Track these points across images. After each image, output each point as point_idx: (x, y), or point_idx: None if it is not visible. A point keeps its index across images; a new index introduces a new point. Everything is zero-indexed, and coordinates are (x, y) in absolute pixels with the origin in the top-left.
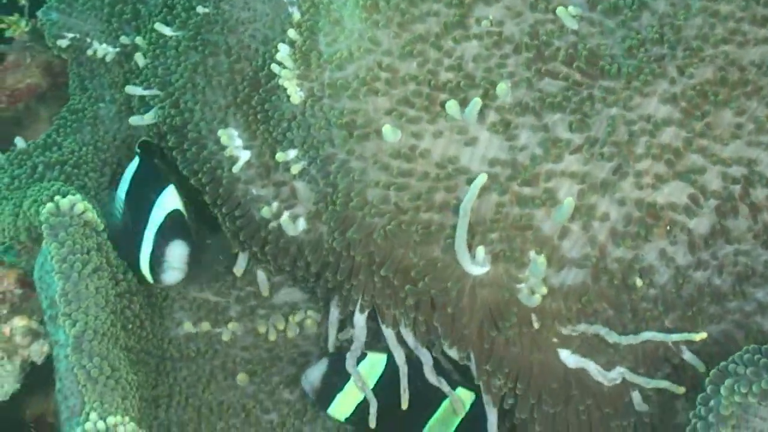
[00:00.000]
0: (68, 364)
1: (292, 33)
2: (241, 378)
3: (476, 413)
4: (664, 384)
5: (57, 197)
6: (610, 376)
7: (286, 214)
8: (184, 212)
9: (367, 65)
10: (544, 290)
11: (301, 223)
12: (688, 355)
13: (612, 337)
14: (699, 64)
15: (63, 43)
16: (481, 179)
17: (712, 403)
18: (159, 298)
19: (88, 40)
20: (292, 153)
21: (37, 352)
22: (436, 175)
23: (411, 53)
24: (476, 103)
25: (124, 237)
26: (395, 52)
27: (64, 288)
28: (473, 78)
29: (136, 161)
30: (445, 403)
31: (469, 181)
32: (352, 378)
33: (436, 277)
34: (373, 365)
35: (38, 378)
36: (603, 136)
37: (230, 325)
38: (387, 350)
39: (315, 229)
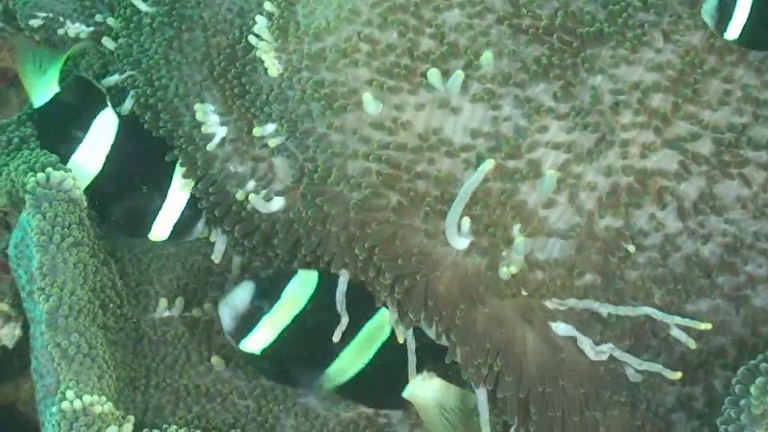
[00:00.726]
0: (43, 341)
1: (268, 5)
2: (216, 361)
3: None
4: (657, 367)
5: (49, 169)
6: (597, 350)
7: (261, 193)
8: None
9: (346, 35)
10: (514, 269)
11: (278, 201)
12: (676, 332)
13: (606, 309)
14: (685, 31)
15: (35, 23)
16: (488, 164)
17: (742, 402)
18: (135, 279)
19: (61, 19)
20: (270, 127)
21: (8, 335)
22: (419, 146)
23: (391, 23)
24: (458, 75)
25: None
26: (375, 22)
27: (41, 261)
28: (455, 47)
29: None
30: (368, 325)
31: (449, 154)
32: (278, 303)
33: (416, 249)
34: (305, 282)
35: (9, 364)
36: (587, 105)
37: (206, 308)
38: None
39: (292, 207)
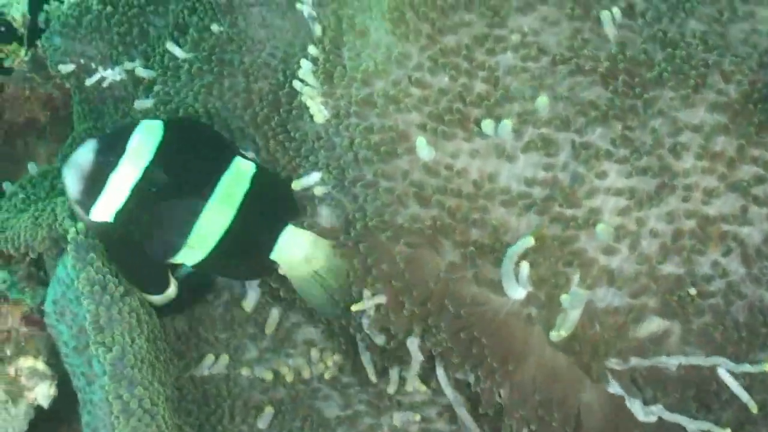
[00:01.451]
0: (103, 394)
1: (312, 49)
2: (262, 419)
3: (261, 183)
4: (707, 426)
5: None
6: (647, 411)
7: None
8: None
9: (395, 80)
10: (565, 332)
11: None
12: (734, 386)
13: (673, 361)
14: (748, 71)
15: (66, 69)
16: (527, 242)
17: None
18: (175, 332)
19: (93, 65)
20: (316, 176)
21: (44, 394)
22: (473, 194)
23: (443, 66)
24: (506, 124)
25: None
26: (425, 66)
27: (96, 312)
28: (509, 91)
29: None
30: (225, 179)
31: (505, 203)
32: (123, 158)
33: (469, 300)
34: (150, 131)
35: (44, 423)
36: (648, 149)
37: (245, 368)
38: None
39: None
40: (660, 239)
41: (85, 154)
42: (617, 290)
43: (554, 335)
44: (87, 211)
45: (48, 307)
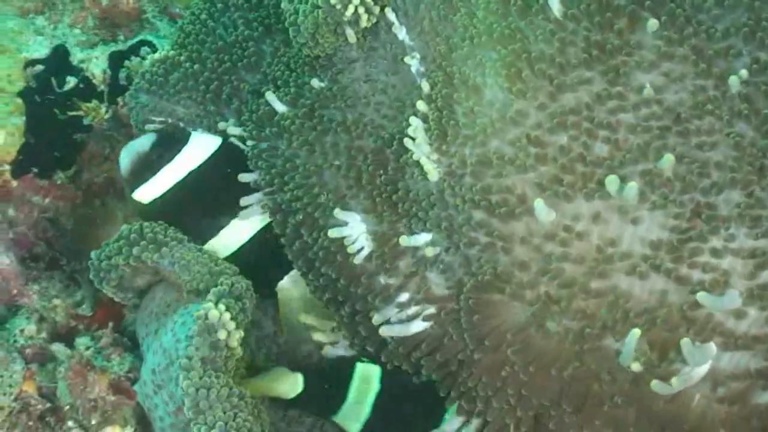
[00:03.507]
0: None
1: (422, 105)
2: None
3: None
4: None
5: (209, 305)
6: None
7: (412, 309)
8: None
9: (512, 139)
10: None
11: (428, 316)
12: None
13: None
14: None
15: (152, 128)
16: (635, 335)
17: None
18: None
19: (181, 125)
20: (425, 237)
21: None
22: (595, 259)
23: (561, 125)
24: (632, 186)
25: None
26: (544, 124)
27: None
28: (631, 152)
29: None
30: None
31: (631, 268)
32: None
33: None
34: (204, 144)
35: None
36: None
37: None
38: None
39: (444, 325)
40: None
41: (144, 143)
42: (744, 354)
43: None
44: (132, 189)
45: (145, 375)
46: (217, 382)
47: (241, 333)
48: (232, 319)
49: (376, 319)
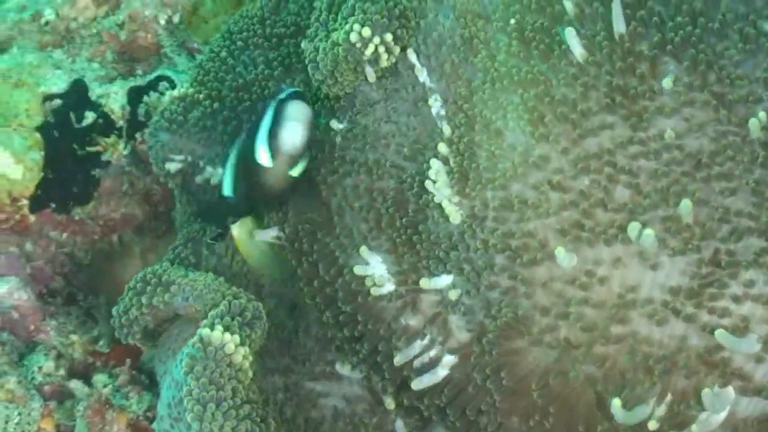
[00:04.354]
0: None
1: (443, 147)
2: None
3: None
4: None
5: (206, 330)
6: None
7: (433, 351)
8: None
9: (534, 183)
10: None
11: (449, 361)
12: None
13: None
14: None
15: (172, 167)
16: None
17: None
18: None
19: (201, 163)
20: (446, 279)
21: None
22: (615, 305)
23: (584, 170)
24: (649, 234)
25: None
26: (566, 169)
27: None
28: (651, 197)
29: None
30: None
31: (649, 313)
32: None
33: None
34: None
35: None
36: None
37: None
38: None
39: (466, 368)
40: None
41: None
42: (762, 399)
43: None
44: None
45: (161, 410)
46: (224, 402)
47: (247, 350)
48: (232, 333)
49: (398, 360)
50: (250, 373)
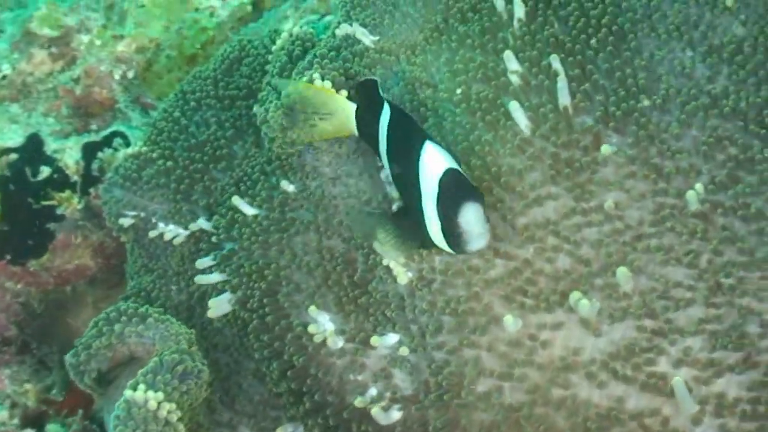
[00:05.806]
0: None
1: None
2: None
3: None
4: None
5: (129, 392)
6: None
7: (379, 405)
8: (456, 166)
9: (481, 254)
10: None
11: (395, 415)
12: None
13: None
14: None
15: (125, 222)
16: None
17: None
18: None
19: (154, 220)
20: (393, 338)
21: None
22: (557, 368)
23: (527, 240)
24: (585, 304)
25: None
26: (512, 240)
27: None
28: (592, 266)
29: (387, 112)
30: None
31: (589, 376)
32: None
33: None
34: None
35: None
36: (729, 326)
37: None
38: None
39: (411, 422)
40: (741, 406)
41: None
42: None
43: None
44: None
45: None
46: None
47: (173, 405)
48: (156, 390)
49: (359, 401)
50: (181, 427)
